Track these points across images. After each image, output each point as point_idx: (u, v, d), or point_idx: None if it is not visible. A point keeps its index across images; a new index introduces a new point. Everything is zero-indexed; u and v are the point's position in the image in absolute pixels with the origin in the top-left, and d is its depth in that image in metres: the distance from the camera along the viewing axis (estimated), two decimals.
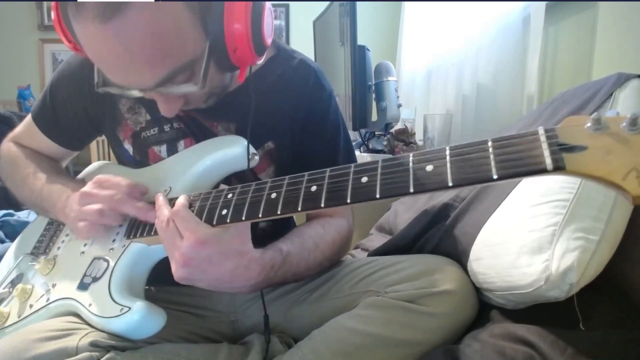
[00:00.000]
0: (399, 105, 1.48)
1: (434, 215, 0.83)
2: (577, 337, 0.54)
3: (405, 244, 0.84)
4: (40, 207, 0.71)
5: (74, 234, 0.67)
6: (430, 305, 0.60)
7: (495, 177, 0.35)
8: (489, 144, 0.37)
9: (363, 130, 1.51)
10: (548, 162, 0.33)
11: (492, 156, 0.36)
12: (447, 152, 0.39)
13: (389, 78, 1.46)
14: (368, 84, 1.42)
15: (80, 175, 0.80)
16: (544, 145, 0.34)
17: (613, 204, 0.58)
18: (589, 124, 0.34)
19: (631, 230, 0.60)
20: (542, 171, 0.33)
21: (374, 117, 1.52)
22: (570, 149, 0.33)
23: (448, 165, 0.38)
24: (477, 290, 0.66)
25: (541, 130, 0.35)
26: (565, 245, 0.56)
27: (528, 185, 0.67)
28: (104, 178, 0.62)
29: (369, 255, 0.90)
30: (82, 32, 0.50)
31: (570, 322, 0.57)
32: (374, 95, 1.47)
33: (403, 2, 2.17)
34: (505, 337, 0.57)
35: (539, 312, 0.60)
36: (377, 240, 1.00)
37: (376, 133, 1.55)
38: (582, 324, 0.56)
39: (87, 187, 0.62)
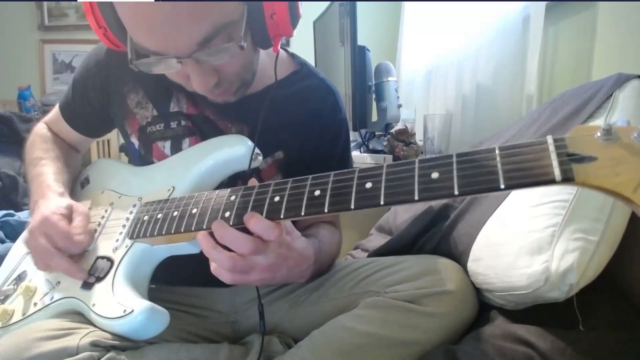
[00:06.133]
0: (399, 106, 1.47)
1: (434, 215, 0.83)
2: (576, 337, 0.54)
3: (405, 244, 0.85)
4: (32, 198, 0.70)
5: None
6: (430, 305, 0.60)
7: (502, 187, 0.34)
8: (497, 152, 0.36)
9: (363, 131, 1.51)
10: (557, 173, 0.32)
11: (499, 165, 0.35)
12: (454, 159, 0.38)
13: (389, 78, 1.46)
14: (368, 84, 1.42)
15: (82, 173, 0.81)
16: (553, 155, 0.33)
17: (613, 204, 0.58)
18: (599, 134, 0.33)
19: (631, 230, 0.60)
20: (551, 182, 0.33)
21: (374, 117, 1.52)
22: (580, 159, 0.32)
23: (454, 172, 0.37)
24: (477, 291, 0.67)
25: (550, 140, 0.34)
26: (564, 246, 0.56)
27: None
28: (51, 220, 0.60)
29: (369, 256, 0.90)
30: None
31: (569, 322, 0.57)
32: (374, 96, 1.47)
33: (403, 2, 2.16)
34: (505, 337, 0.57)
35: (538, 312, 0.60)
36: (377, 240, 1.00)
37: (376, 133, 1.55)
38: (582, 324, 0.56)
39: (35, 222, 0.61)
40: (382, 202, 0.39)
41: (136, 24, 0.52)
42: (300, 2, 0.57)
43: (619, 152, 0.32)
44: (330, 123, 0.76)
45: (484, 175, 0.35)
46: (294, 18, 0.57)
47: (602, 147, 0.32)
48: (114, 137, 0.65)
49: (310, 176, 0.46)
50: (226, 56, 0.54)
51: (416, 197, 0.38)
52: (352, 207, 0.41)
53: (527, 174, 0.34)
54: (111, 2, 0.54)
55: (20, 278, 0.67)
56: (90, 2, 0.55)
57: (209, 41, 0.52)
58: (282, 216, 0.46)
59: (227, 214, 0.50)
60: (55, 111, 0.83)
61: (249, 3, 0.54)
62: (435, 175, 0.38)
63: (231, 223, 0.49)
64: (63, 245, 0.60)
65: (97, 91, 0.74)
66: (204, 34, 0.51)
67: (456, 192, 0.36)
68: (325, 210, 0.43)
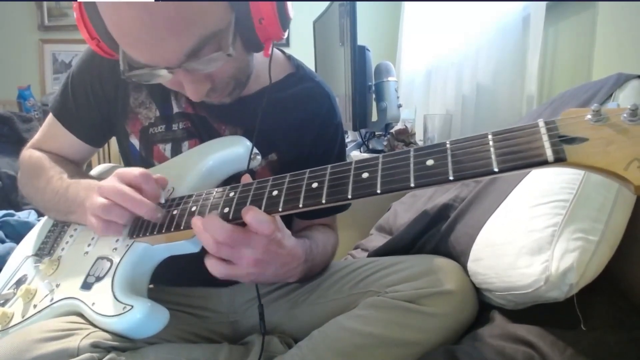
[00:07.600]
0: (399, 106, 1.47)
1: (434, 215, 0.83)
2: (576, 337, 0.54)
3: (405, 244, 0.85)
4: (64, 210, 0.67)
5: (93, 230, 0.63)
6: (430, 305, 0.60)
7: (496, 169, 0.35)
8: (490, 137, 0.37)
9: (363, 131, 1.51)
10: (549, 153, 0.33)
11: (492, 149, 0.36)
12: (448, 145, 0.39)
13: (389, 78, 1.46)
14: (368, 84, 1.42)
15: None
16: (545, 137, 0.34)
17: (613, 204, 0.58)
18: (589, 116, 0.33)
19: (631, 230, 0.60)
20: (543, 163, 0.33)
21: (374, 117, 1.52)
22: (571, 140, 0.33)
23: (449, 159, 0.38)
24: (477, 291, 0.67)
25: (541, 123, 0.35)
26: (564, 246, 0.56)
27: (528, 186, 0.67)
28: (121, 171, 0.59)
29: (369, 256, 0.90)
30: (106, 5, 0.50)
31: (570, 322, 0.57)
32: (374, 96, 1.47)
33: (403, 2, 2.17)
34: (505, 337, 0.57)
35: (539, 312, 0.60)
36: (377, 240, 1.00)
37: (376, 133, 1.55)
38: (582, 324, 0.56)
39: (105, 181, 0.59)
40: (378, 191, 0.40)
41: (122, 39, 0.52)
42: (289, 3, 0.56)
43: (610, 132, 0.32)
44: (325, 127, 0.75)
45: (478, 160, 0.36)
46: (284, 20, 0.56)
47: (592, 128, 0.33)
48: (114, 140, 0.65)
49: (308, 170, 0.47)
50: (216, 64, 0.54)
51: (412, 184, 0.38)
52: (349, 197, 0.41)
53: (520, 156, 0.34)
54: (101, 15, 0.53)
55: (20, 282, 0.67)
56: (81, 15, 0.54)
57: (197, 51, 0.52)
58: (280, 209, 0.46)
59: (226, 210, 0.50)
60: (45, 126, 0.77)
61: (237, 10, 0.53)
62: (430, 162, 0.38)
63: (230, 218, 0.49)
64: (143, 181, 0.57)
65: (96, 85, 0.72)
66: (190, 45, 0.51)
67: (451, 177, 0.36)
68: (323, 201, 0.43)
